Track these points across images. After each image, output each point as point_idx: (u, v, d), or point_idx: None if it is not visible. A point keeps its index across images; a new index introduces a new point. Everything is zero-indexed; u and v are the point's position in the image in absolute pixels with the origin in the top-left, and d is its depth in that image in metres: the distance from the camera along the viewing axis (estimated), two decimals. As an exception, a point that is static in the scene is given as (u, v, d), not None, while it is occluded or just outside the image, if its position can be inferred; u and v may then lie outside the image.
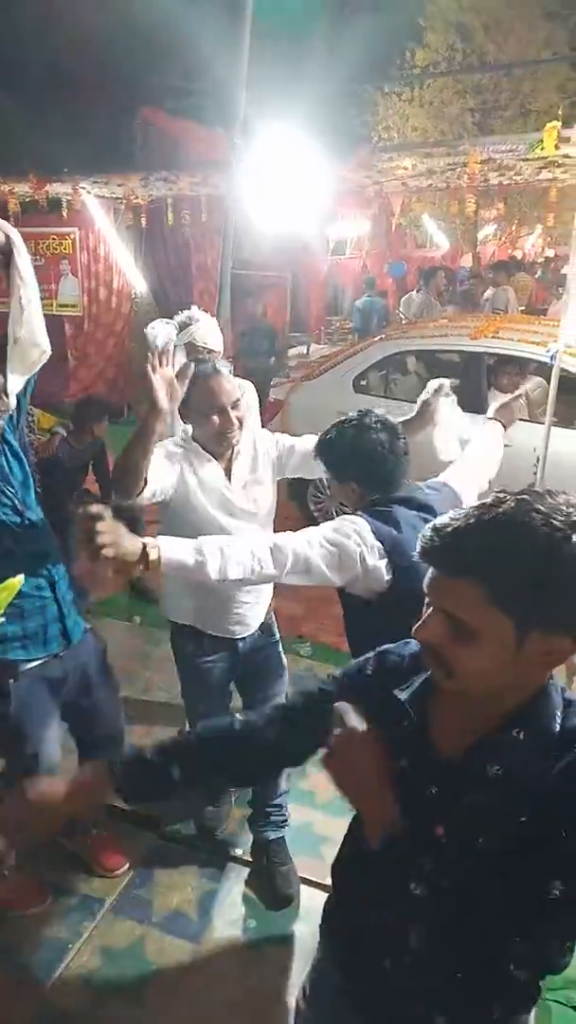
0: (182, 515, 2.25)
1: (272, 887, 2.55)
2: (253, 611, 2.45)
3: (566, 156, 4.72)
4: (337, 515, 2.18)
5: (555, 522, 0.95)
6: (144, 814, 2.88)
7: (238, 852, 2.74)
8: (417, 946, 1.08)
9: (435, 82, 11.80)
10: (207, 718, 2.71)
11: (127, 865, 2.66)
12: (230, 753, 1.39)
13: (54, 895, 2.55)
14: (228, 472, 2.31)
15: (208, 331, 2.99)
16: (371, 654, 1.30)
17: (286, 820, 2.70)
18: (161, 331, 3.11)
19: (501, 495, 1.02)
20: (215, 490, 2.28)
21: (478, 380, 5.50)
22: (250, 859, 2.69)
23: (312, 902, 2.50)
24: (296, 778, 2.93)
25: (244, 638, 2.48)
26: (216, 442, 2.27)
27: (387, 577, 1.80)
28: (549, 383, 5.62)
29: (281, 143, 4.56)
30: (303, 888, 2.58)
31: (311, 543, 1.79)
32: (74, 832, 2.66)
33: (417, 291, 10.12)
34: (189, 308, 3.07)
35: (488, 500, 1.02)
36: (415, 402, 5.78)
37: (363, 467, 1.93)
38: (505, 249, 15.59)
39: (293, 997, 2.04)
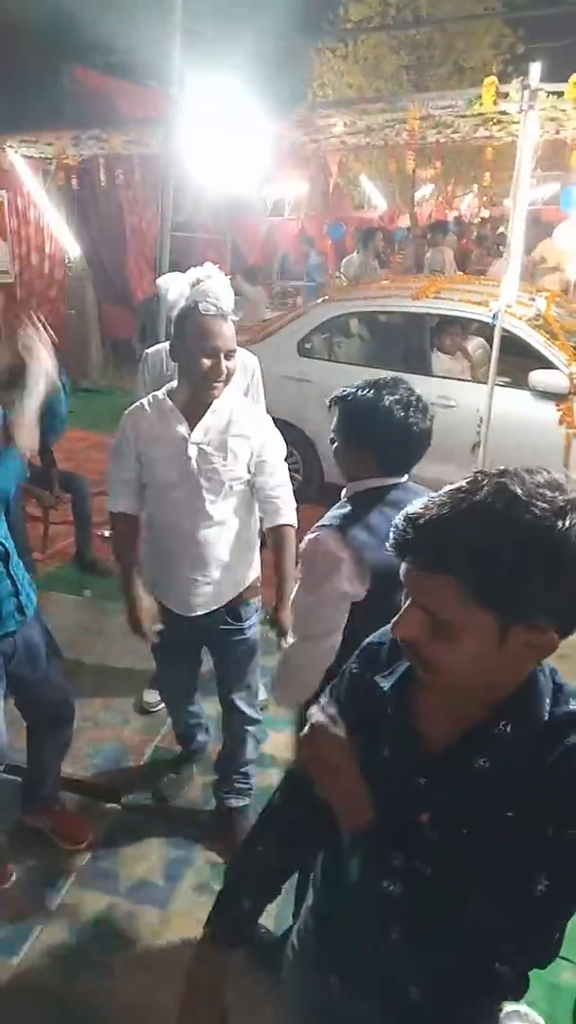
0: (148, 473, 2.33)
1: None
2: (205, 590, 2.39)
3: (503, 113, 4.71)
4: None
5: (537, 509, 0.89)
6: (105, 786, 2.88)
7: (202, 818, 2.76)
8: (397, 940, 1.04)
9: (369, 38, 11.62)
10: (170, 686, 2.71)
11: (91, 837, 2.65)
12: (288, 856, 1.34)
13: (17, 872, 2.53)
14: (192, 427, 2.27)
15: (221, 289, 2.90)
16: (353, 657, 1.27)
17: (251, 788, 2.71)
18: (174, 284, 3.00)
19: (478, 477, 0.95)
20: (171, 445, 2.27)
21: (421, 341, 5.53)
22: (214, 826, 2.71)
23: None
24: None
25: (202, 616, 2.43)
26: (199, 387, 2.21)
27: (365, 588, 1.72)
28: (490, 343, 5.70)
29: (217, 99, 4.42)
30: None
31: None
32: (35, 809, 2.63)
33: (356, 253, 10.07)
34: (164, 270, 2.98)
35: (463, 484, 0.95)
36: (359, 365, 5.82)
37: (388, 439, 1.78)
38: (442, 209, 15.60)
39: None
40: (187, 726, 2.88)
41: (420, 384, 2.13)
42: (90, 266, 9.25)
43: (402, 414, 1.75)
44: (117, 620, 3.85)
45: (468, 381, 5.32)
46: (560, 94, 3.89)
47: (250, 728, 2.66)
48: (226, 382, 2.23)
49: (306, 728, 1.10)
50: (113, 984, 2.20)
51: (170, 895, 2.47)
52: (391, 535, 0.98)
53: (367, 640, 1.25)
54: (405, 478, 1.87)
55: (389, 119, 5.29)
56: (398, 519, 0.98)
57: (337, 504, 1.84)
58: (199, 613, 2.42)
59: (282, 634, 2.35)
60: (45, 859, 2.59)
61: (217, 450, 2.27)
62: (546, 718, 0.98)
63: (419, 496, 1.94)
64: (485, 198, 14.95)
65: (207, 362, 2.17)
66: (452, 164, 11.11)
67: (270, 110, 5.17)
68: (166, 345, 3.19)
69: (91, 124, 6.20)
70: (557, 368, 4.94)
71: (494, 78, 4.01)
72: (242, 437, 2.30)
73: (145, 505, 2.43)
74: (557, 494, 0.92)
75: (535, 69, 3.74)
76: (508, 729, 0.98)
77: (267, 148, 5.18)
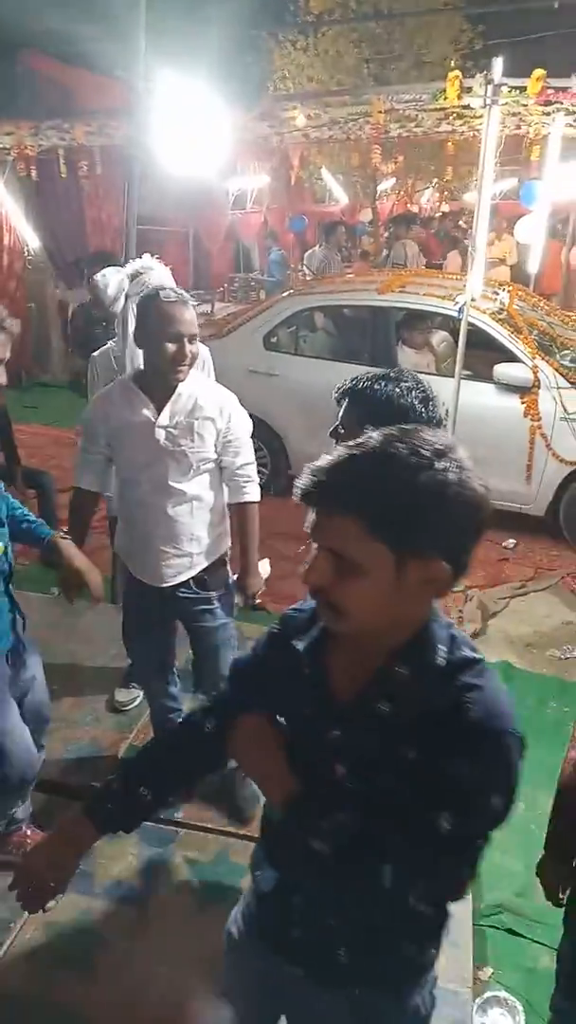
0: (118, 455, 2.44)
1: (237, 810, 2.73)
2: (176, 562, 2.49)
3: (466, 107, 4.74)
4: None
5: (422, 451, 1.00)
6: (78, 785, 2.84)
7: (178, 815, 2.74)
8: (326, 899, 1.11)
9: (330, 31, 11.57)
10: (145, 665, 2.76)
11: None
12: (187, 758, 1.40)
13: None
14: (159, 411, 2.37)
15: (161, 280, 2.88)
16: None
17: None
18: (112, 279, 2.98)
19: (370, 432, 1.05)
20: (140, 428, 2.36)
21: (386, 335, 5.55)
22: (190, 821, 2.71)
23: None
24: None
25: (171, 588, 2.52)
26: (165, 372, 2.31)
27: None
28: (453, 338, 5.74)
29: (181, 90, 4.37)
30: (245, 845, 2.61)
31: None
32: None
33: (319, 246, 10.07)
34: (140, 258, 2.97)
35: (359, 439, 1.05)
36: (325, 359, 5.83)
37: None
38: (403, 203, 15.66)
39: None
40: (165, 710, 2.86)
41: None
42: (50, 259, 9.10)
43: (423, 409, 1.72)
44: (86, 618, 3.82)
45: (433, 375, 5.36)
46: (523, 89, 3.93)
47: None
48: (190, 365, 2.33)
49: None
50: (90, 984, 2.17)
51: (147, 894, 2.46)
52: (296, 489, 1.06)
53: (287, 609, 1.33)
54: None
55: (353, 112, 5.29)
56: (303, 473, 1.05)
57: None
58: (170, 584, 2.50)
59: (248, 599, 2.58)
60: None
61: (184, 432, 2.37)
62: (442, 663, 1.07)
63: None
64: (446, 193, 15.03)
65: (171, 347, 2.26)
66: (413, 158, 11.13)
67: (232, 102, 5.13)
68: (112, 345, 3.16)
69: (50, 114, 6.09)
70: (521, 361, 5.01)
71: (458, 72, 4.05)
72: (208, 419, 2.40)
73: (117, 483, 2.54)
74: (437, 440, 1.03)
75: (498, 64, 3.77)
76: (406, 672, 1.07)
77: (230, 140, 5.14)
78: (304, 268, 10.28)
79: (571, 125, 4.89)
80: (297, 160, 8.42)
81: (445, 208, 16.46)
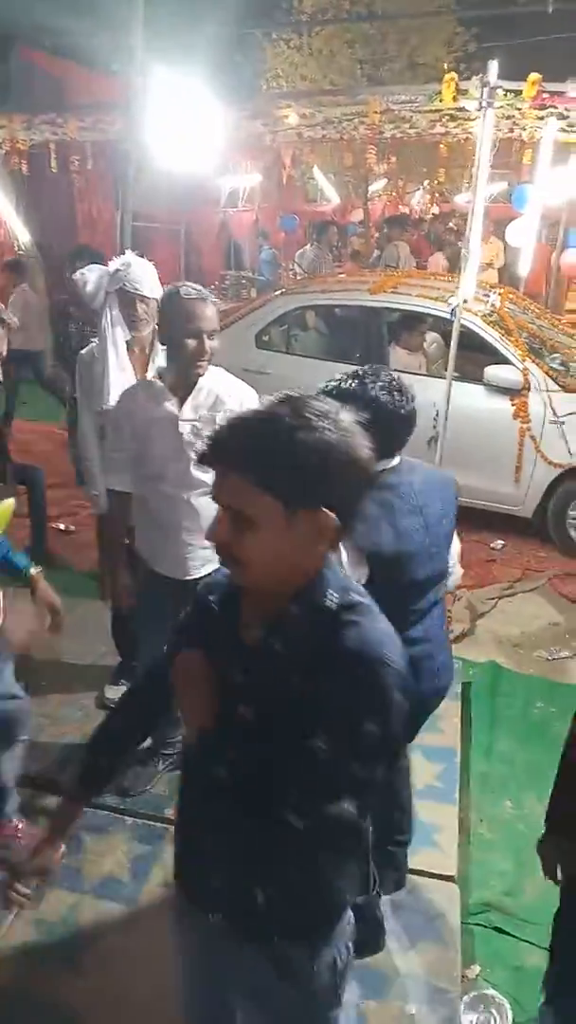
0: (142, 449, 2.49)
1: None
2: (200, 554, 2.53)
3: (460, 109, 4.76)
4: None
5: (304, 414, 1.10)
6: (67, 782, 2.83)
7: (167, 812, 2.74)
8: (229, 824, 1.18)
9: (323, 30, 11.60)
10: (157, 650, 2.79)
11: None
12: (136, 714, 1.54)
13: (-22, 872, 2.47)
14: (181, 405, 2.45)
15: (142, 277, 2.87)
16: None
17: None
18: (91, 277, 2.97)
19: (261, 403, 1.17)
20: (164, 422, 2.44)
21: (378, 336, 5.57)
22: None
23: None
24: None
25: (193, 580, 2.53)
26: (186, 367, 2.39)
27: (365, 574, 1.83)
28: (444, 339, 5.76)
29: (175, 87, 4.36)
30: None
31: None
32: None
33: (310, 245, 10.08)
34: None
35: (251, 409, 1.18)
36: (317, 358, 5.83)
37: (378, 425, 1.82)
38: (395, 204, 15.70)
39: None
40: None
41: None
42: (41, 254, 9.04)
43: (388, 398, 1.84)
44: (75, 615, 3.80)
45: (424, 376, 5.38)
46: (518, 92, 3.95)
47: None
48: (209, 361, 2.40)
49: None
50: (83, 982, 2.17)
51: (136, 891, 2.45)
52: (194, 454, 1.18)
53: (207, 575, 1.44)
54: (397, 460, 1.96)
55: (347, 112, 5.30)
56: (203, 441, 1.15)
57: None
58: (194, 576, 2.54)
59: None
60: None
61: (207, 425, 2.41)
62: (332, 606, 1.16)
63: (413, 473, 2.03)
64: (438, 195, 15.07)
65: (191, 342, 2.33)
66: (406, 160, 11.16)
67: (225, 100, 5.13)
68: (95, 344, 3.14)
69: (43, 108, 6.06)
70: (511, 363, 5.03)
71: (454, 75, 4.06)
72: (229, 411, 2.40)
73: (137, 480, 2.59)
74: (321, 405, 1.13)
75: (493, 67, 3.79)
76: (298, 613, 1.17)
77: (223, 137, 5.14)
78: (295, 267, 10.27)
79: (564, 130, 4.93)
80: (289, 159, 8.43)
81: (435, 210, 16.51)
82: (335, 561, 1.23)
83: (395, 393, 1.87)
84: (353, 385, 1.87)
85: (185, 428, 2.44)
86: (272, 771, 1.12)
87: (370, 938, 2.31)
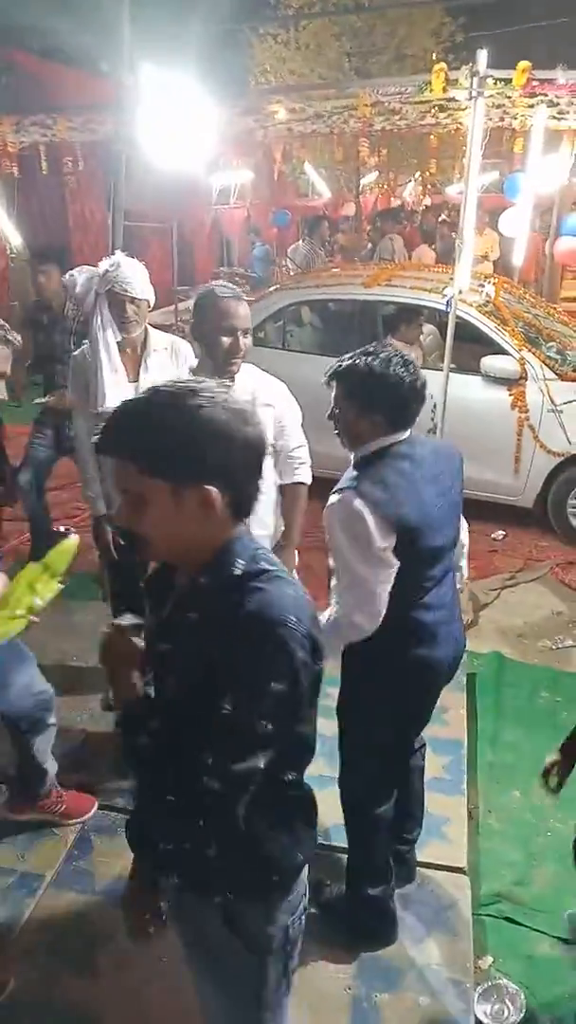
0: None
1: None
2: None
3: (450, 100, 4.73)
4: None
5: (177, 396, 1.18)
6: (76, 785, 2.84)
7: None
8: (163, 788, 1.22)
9: (310, 24, 11.55)
10: None
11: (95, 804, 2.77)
12: None
13: (-10, 876, 2.48)
14: None
15: (132, 278, 2.85)
16: None
17: None
18: (80, 278, 2.95)
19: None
20: None
21: (374, 329, 5.55)
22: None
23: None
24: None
25: None
26: (220, 364, 2.42)
27: (392, 542, 1.90)
28: (439, 331, 5.75)
29: (164, 85, 4.35)
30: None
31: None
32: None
33: (302, 241, 10.06)
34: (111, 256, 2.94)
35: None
36: (313, 353, 5.81)
37: (394, 396, 1.93)
38: (387, 197, 15.66)
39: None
40: None
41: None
42: (33, 256, 9.02)
43: (402, 371, 1.91)
44: (78, 618, 3.81)
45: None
46: (508, 81, 3.93)
47: None
48: (243, 358, 2.45)
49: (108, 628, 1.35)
50: (95, 985, 2.17)
51: (147, 891, 2.45)
52: (95, 445, 1.23)
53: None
54: (408, 433, 2.01)
55: (337, 106, 5.27)
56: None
57: (350, 470, 1.98)
58: None
59: None
60: (19, 863, 2.55)
61: None
62: (238, 573, 1.21)
63: (424, 445, 2.09)
64: (430, 186, 15.03)
65: (226, 340, 2.38)
66: (396, 152, 11.13)
67: (214, 96, 5.10)
68: (86, 345, 3.13)
69: (32, 109, 6.02)
70: (508, 353, 5.02)
71: (443, 65, 4.04)
72: (266, 406, 2.53)
73: None
74: (196, 386, 1.19)
75: (482, 56, 3.78)
76: (204, 582, 1.24)
77: (213, 134, 5.12)
78: (288, 263, 10.26)
79: (554, 117, 4.91)
80: (280, 154, 8.40)
81: (428, 202, 16.47)
82: (245, 531, 1.28)
83: (404, 366, 1.93)
84: (365, 361, 1.93)
85: None
86: (193, 736, 1.17)
87: (383, 930, 2.32)
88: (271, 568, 1.24)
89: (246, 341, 2.42)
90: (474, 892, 2.55)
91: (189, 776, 1.17)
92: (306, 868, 1.44)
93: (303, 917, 1.44)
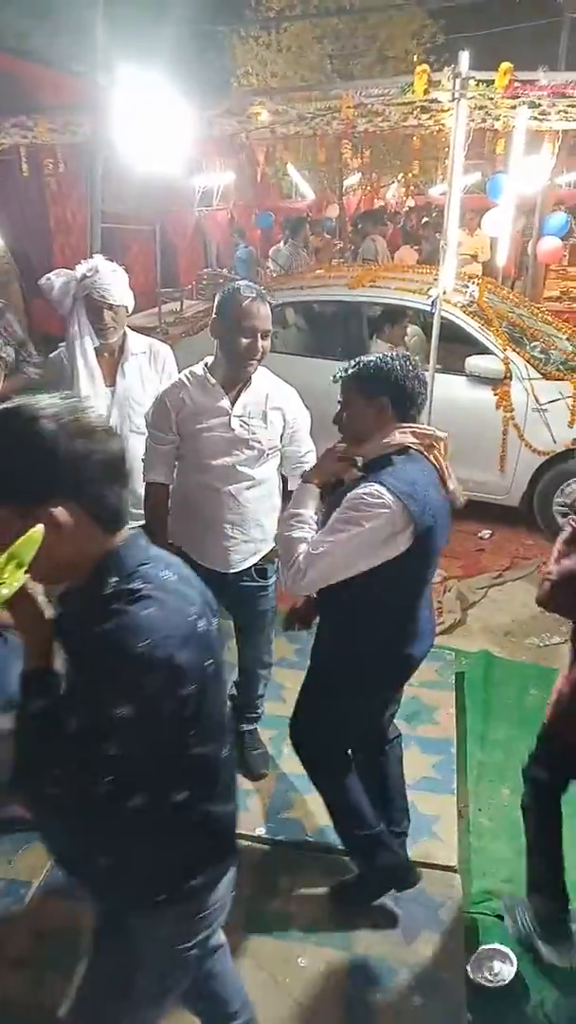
0: (188, 443, 2.54)
1: (248, 767, 2.97)
2: (243, 548, 2.63)
3: (433, 101, 4.75)
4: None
5: (11, 422, 1.17)
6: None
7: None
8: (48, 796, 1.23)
9: (292, 27, 11.57)
10: None
11: None
12: None
13: (-23, 884, 2.45)
14: (233, 402, 2.50)
15: (110, 282, 2.83)
16: None
17: (259, 716, 3.08)
18: (57, 281, 2.92)
19: None
20: (214, 417, 2.48)
21: (359, 330, 5.56)
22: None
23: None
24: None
25: (232, 575, 2.64)
26: (237, 364, 2.43)
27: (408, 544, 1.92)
28: (424, 332, 5.76)
29: (144, 86, 4.33)
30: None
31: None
32: None
33: (284, 243, 10.06)
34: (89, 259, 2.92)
35: None
36: (298, 355, 5.81)
37: (405, 391, 1.99)
38: (370, 198, 15.72)
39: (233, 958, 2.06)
40: None
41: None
42: (15, 259, 8.97)
43: (410, 366, 1.99)
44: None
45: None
46: (490, 82, 3.95)
47: (262, 672, 3.02)
48: (260, 360, 2.45)
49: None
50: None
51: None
52: None
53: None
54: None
55: (320, 108, 5.28)
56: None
57: (373, 466, 1.99)
58: (236, 570, 2.64)
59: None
60: (5, 870, 2.52)
61: (259, 422, 2.50)
62: (108, 592, 1.19)
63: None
64: (413, 188, 15.10)
65: (245, 341, 2.37)
66: (379, 154, 11.18)
67: (196, 98, 5.10)
68: (62, 349, 3.11)
69: (11, 111, 5.99)
70: (492, 353, 5.04)
71: (426, 66, 4.05)
72: (277, 409, 2.54)
73: (179, 474, 2.63)
74: (36, 405, 1.18)
75: (464, 58, 3.79)
76: (73, 604, 1.25)
77: (195, 136, 5.11)
78: (270, 264, 10.25)
79: (536, 118, 4.94)
80: (263, 156, 8.40)
81: (411, 203, 16.55)
82: (132, 541, 1.27)
83: (406, 360, 2.01)
84: (377, 359, 2.02)
85: (236, 424, 2.49)
86: (62, 751, 1.19)
87: (390, 869, 2.38)
88: (143, 586, 1.20)
89: (265, 344, 2.42)
90: (465, 890, 2.55)
91: (61, 784, 1.19)
92: (220, 899, 1.45)
93: (204, 958, 1.46)
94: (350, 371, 2.05)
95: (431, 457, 2.01)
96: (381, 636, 2.08)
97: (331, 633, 2.20)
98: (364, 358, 2.05)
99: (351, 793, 2.31)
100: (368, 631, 2.08)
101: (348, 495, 1.93)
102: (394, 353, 2.04)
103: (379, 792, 2.40)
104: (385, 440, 1.99)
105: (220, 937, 1.69)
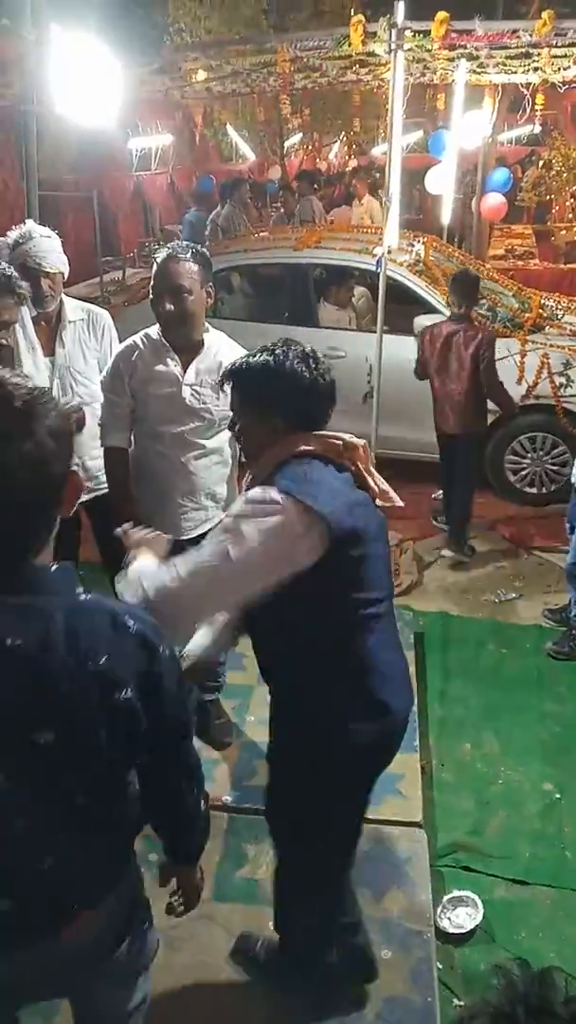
0: (141, 407, 2.53)
1: (211, 737, 2.95)
2: (195, 515, 2.63)
3: (370, 54, 4.67)
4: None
5: None
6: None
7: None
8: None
9: (225, -20, 11.25)
10: None
11: None
12: None
13: None
14: (185, 368, 2.48)
15: (45, 250, 2.72)
16: None
17: (221, 685, 3.03)
18: None
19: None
20: (166, 385, 2.47)
21: (305, 293, 5.49)
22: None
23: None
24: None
25: (186, 541, 2.53)
26: (165, 328, 2.44)
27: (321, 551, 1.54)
28: (372, 291, 5.72)
29: (74, 43, 4.14)
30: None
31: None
32: None
33: (222, 206, 9.84)
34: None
35: None
36: (244, 320, 5.71)
37: (299, 397, 1.63)
38: (312, 159, 15.47)
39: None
40: None
41: (308, 336, 2.13)
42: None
43: (304, 368, 1.63)
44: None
45: (354, 331, 5.34)
46: (427, 33, 3.89)
47: None
48: (187, 323, 2.42)
49: None
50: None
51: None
52: None
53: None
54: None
55: (255, 63, 5.15)
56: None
57: (282, 469, 1.60)
58: (188, 536, 2.57)
59: None
60: None
61: (210, 391, 2.47)
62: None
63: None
64: (355, 147, 14.89)
65: (168, 302, 2.38)
66: (319, 112, 10.99)
67: (128, 55, 4.92)
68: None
69: None
70: (439, 312, 5.02)
71: (361, 17, 3.96)
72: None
73: (136, 439, 2.60)
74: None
75: (400, 7, 3.72)
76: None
77: (129, 95, 4.94)
78: (208, 228, 10.03)
79: (474, 71, 4.89)
80: (200, 117, 8.20)
81: (354, 163, 16.34)
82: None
83: (311, 361, 1.65)
84: (265, 358, 1.65)
85: (187, 392, 2.47)
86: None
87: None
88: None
89: (185, 303, 2.37)
90: (431, 844, 2.60)
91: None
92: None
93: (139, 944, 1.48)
94: (238, 377, 1.68)
95: (344, 462, 1.65)
96: (340, 692, 1.67)
97: (280, 708, 1.81)
98: (250, 360, 1.67)
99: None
100: (319, 689, 1.67)
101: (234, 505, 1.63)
102: (289, 347, 1.66)
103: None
104: (277, 451, 1.63)
105: None
